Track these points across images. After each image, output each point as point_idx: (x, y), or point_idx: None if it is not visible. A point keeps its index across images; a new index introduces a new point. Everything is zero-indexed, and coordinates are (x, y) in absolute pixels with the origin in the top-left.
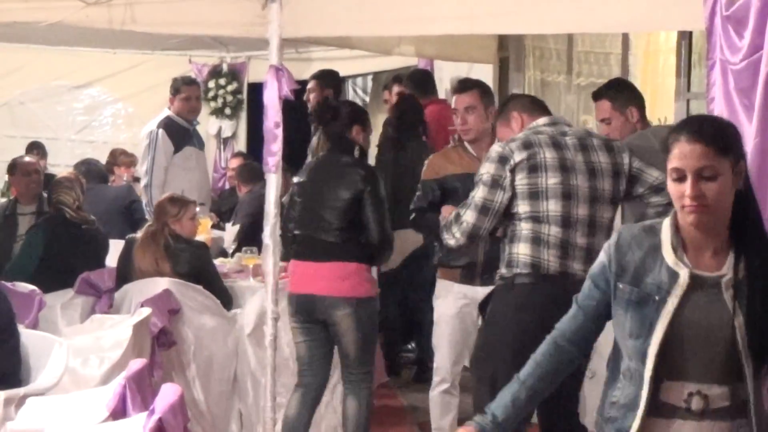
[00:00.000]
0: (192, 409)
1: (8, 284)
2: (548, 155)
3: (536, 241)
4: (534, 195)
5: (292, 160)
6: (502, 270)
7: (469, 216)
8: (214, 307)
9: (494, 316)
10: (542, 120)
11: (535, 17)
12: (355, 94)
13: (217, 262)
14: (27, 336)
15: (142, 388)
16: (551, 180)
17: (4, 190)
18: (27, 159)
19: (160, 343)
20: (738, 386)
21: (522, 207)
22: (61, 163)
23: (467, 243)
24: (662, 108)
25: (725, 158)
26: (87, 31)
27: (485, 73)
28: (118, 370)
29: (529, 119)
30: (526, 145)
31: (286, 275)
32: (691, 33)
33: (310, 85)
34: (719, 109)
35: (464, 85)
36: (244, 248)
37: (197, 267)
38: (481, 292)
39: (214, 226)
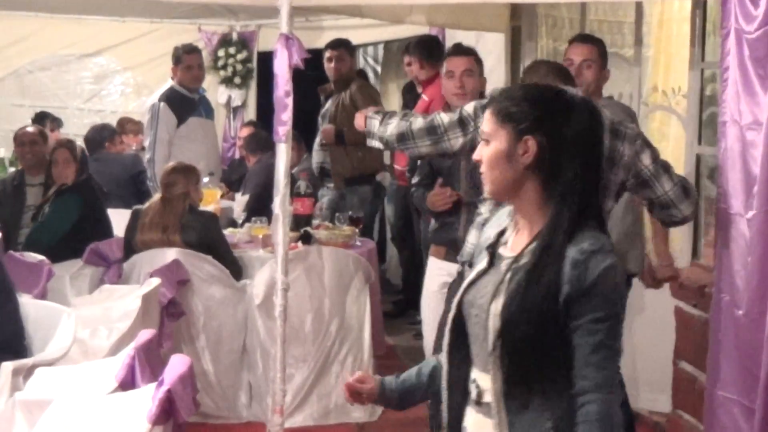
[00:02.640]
0: (201, 380)
1: (17, 254)
2: None
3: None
4: None
5: (302, 129)
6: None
7: (416, 123)
8: (224, 277)
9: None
10: None
11: None
12: (366, 63)
13: (227, 232)
14: (35, 306)
15: (151, 359)
16: None
17: (12, 160)
18: (28, 129)
19: (169, 314)
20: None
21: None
22: (70, 133)
23: (393, 142)
24: (676, 77)
25: (503, 128)
26: None
27: (497, 42)
28: (127, 341)
29: None
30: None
31: (295, 245)
32: (705, 1)
33: (330, 54)
34: (733, 79)
35: (463, 49)
36: (253, 218)
37: (206, 237)
38: None
39: (223, 196)
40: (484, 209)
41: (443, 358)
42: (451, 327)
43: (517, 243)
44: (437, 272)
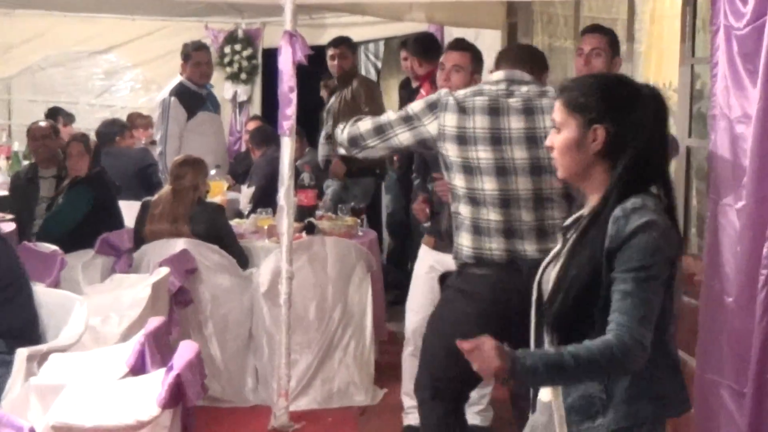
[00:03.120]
0: (209, 366)
1: (30, 244)
2: (479, 125)
3: (477, 230)
4: (468, 170)
5: (304, 123)
6: (453, 257)
7: (365, 124)
8: (230, 266)
9: (443, 295)
10: (495, 75)
11: None
12: (368, 59)
13: (233, 223)
14: (49, 294)
15: (160, 346)
16: (482, 154)
17: (26, 154)
18: (41, 124)
19: (178, 302)
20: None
21: (458, 181)
22: (81, 127)
23: (347, 145)
24: (667, 72)
25: (573, 117)
26: None
27: (494, 39)
28: (137, 328)
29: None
30: (461, 108)
31: (299, 236)
32: None
33: (333, 51)
34: (723, 74)
35: (459, 45)
36: (259, 209)
37: (214, 228)
38: (450, 260)
39: (229, 188)
40: None
41: (531, 332)
42: (535, 306)
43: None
44: (427, 259)
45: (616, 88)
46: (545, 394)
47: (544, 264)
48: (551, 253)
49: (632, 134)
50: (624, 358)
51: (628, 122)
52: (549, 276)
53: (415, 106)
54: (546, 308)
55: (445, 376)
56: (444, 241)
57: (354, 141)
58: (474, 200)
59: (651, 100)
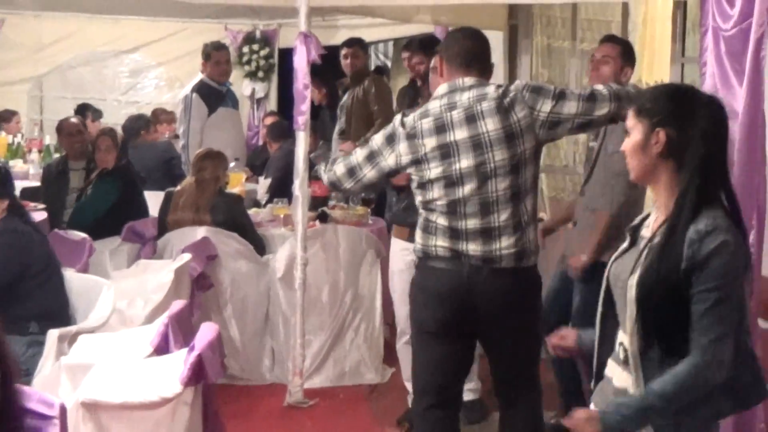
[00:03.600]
0: (228, 346)
1: (61, 232)
2: (428, 147)
3: (427, 229)
4: (422, 185)
5: (319, 118)
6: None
7: (359, 153)
8: (248, 253)
9: (410, 295)
10: (441, 89)
11: None
12: (377, 58)
13: (251, 212)
14: (78, 279)
15: (182, 327)
16: (434, 171)
17: (57, 147)
18: (72, 120)
19: (199, 286)
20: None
21: (418, 196)
22: (108, 122)
23: (343, 178)
24: (659, 71)
25: (640, 121)
26: (132, 1)
27: (496, 40)
28: (161, 311)
29: (448, 73)
30: (410, 135)
31: (313, 224)
32: (685, 2)
33: (346, 51)
34: (711, 72)
35: (611, 38)
36: (275, 199)
37: (233, 217)
38: None
39: (248, 180)
40: None
41: (597, 321)
42: (603, 297)
43: (654, 224)
44: (402, 253)
45: (679, 95)
46: (620, 380)
47: (613, 259)
48: (619, 250)
49: (693, 140)
50: (708, 378)
51: (688, 128)
52: (618, 272)
53: (377, 140)
54: (635, 309)
55: (434, 387)
56: None
57: (334, 185)
58: (428, 208)
59: (712, 110)
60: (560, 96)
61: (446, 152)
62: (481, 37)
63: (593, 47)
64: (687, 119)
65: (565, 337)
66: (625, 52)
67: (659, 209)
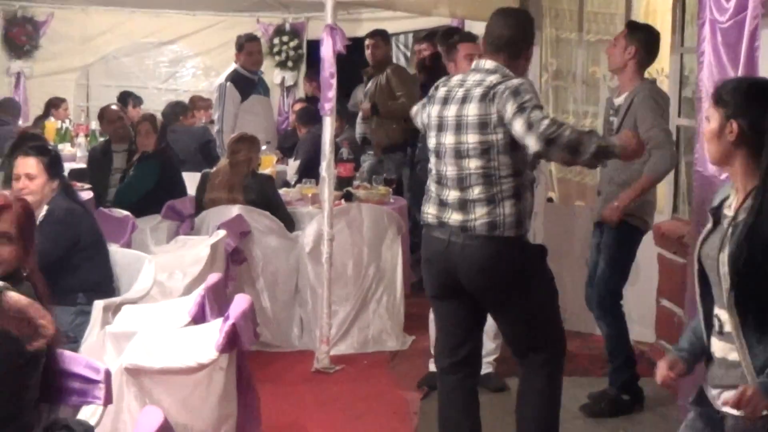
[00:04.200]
0: (260, 316)
1: (106, 210)
2: (433, 114)
3: (426, 197)
4: (429, 150)
5: (344, 105)
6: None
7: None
8: (279, 229)
9: None
10: (473, 64)
11: None
12: (398, 49)
13: (281, 191)
14: (122, 254)
15: (218, 298)
16: (431, 140)
17: (102, 131)
18: (113, 107)
19: (233, 260)
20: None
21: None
22: (149, 109)
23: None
24: (659, 60)
25: (717, 111)
26: None
27: None
28: (198, 283)
29: (484, 54)
30: (429, 98)
31: (339, 203)
32: None
33: (369, 42)
34: (708, 62)
35: (630, 24)
36: (304, 180)
37: (264, 196)
38: None
39: (278, 161)
40: None
41: (697, 301)
42: (698, 276)
43: (735, 204)
44: None
45: (754, 89)
46: (718, 350)
47: (700, 240)
48: (705, 230)
49: (763, 130)
50: None
51: (759, 120)
52: (707, 251)
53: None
54: (729, 285)
55: (447, 348)
56: None
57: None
58: (431, 174)
59: None
60: (520, 110)
61: (440, 124)
62: (513, 22)
63: (599, 38)
64: (758, 112)
65: (673, 366)
66: (629, 33)
67: (737, 191)
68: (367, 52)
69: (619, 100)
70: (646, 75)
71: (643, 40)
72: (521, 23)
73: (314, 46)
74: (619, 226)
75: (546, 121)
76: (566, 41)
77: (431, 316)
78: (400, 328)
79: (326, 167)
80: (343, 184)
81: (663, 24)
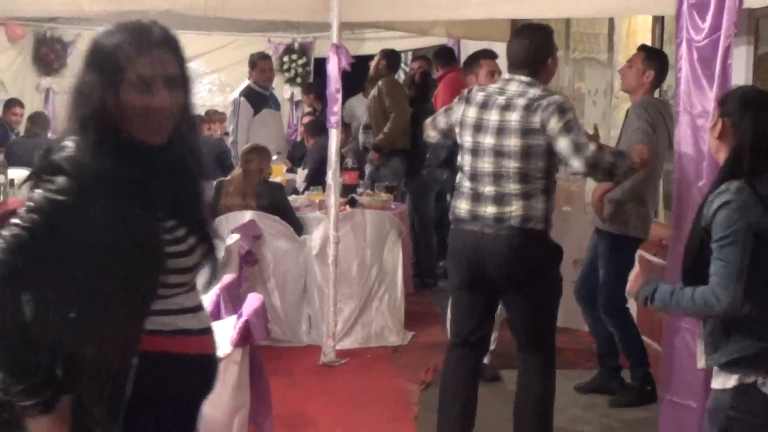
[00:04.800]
0: (271, 313)
1: None
2: (470, 115)
3: (458, 194)
4: (461, 149)
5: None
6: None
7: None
8: (289, 233)
9: None
10: (505, 77)
11: (541, 4)
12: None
13: (291, 198)
14: None
15: (232, 297)
16: (466, 138)
17: None
18: None
19: (246, 262)
20: None
21: (459, 158)
22: None
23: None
24: None
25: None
26: (188, 17)
27: (500, 50)
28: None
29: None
30: (466, 100)
31: (344, 208)
32: (663, 17)
33: (378, 58)
34: (685, 78)
35: (643, 46)
36: (311, 187)
37: (275, 202)
38: None
39: (288, 170)
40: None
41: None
42: None
43: None
44: None
45: (745, 94)
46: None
47: None
48: None
49: (742, 130)
50: (710, 308)
51: (739, 121)
52: None
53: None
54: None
55: (464, 332)
56: None
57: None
58: (462, 171)
59: (761, 110)
60: (566, 129)
61: (479, 126)
62: (527, 42)
63: (584, 56)
64: (739, 114)
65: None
66: (648, 58)
67: None
68: (371, 65)
69: None
70: None
71: (659, 65)
72: (534, 42)
73: (321, 63)
74: (615, 237)
75: (592, 147)
76: None
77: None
78: (401, 325)
79: (332, 175)
80: (347, 191)
81: (643, 42)
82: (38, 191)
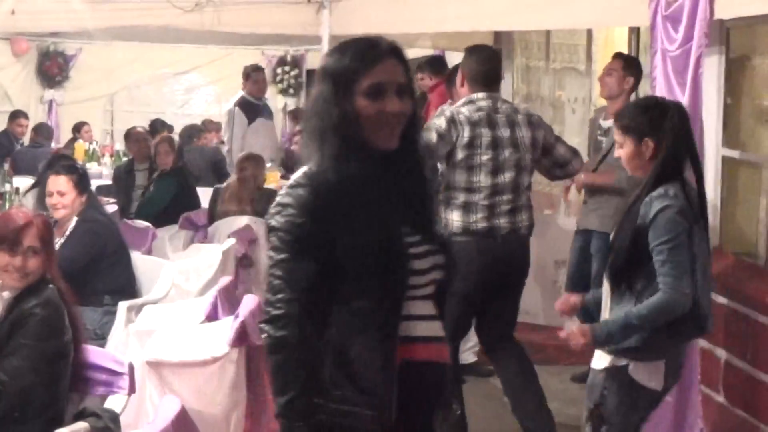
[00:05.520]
0: None
1: (129, 221)
2: (485, 134)
3: (467, 208)
4: (470, 168)
5: None
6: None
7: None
8: None
9: None
10: (480, 95)
11: (523, 17)
12: None
13: None
14: (143, 260)
15: (229, 299)
16: (483, 156)
17: (125, 152)
18: (138, 129)
19: (243, 265)
20: None
21: (459, 177)
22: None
23: None
24: None
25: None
26: (185, 31)
27: None
28: (211, 285)
29: (471, 87)
30: (472, 122)
31: None
32: (639, 28)
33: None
34: (660, 86)
35: (618, 54)
36: None
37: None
38: None
39: (282, 177)
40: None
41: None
42: None
43: None
44: None
45: (652, 108)
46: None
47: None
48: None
49: (667, 140)
50: (675, 307)
51: (663, 131)
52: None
53: (442, 124)
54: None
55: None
56: None
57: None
58: (470, 189)
59: (677, 113)
60: (558, 138)
61: (496, 144)
62: (498, 63)
63: (563, 66)
64: (661, 125)
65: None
66: (627, 65)
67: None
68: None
69: (607, 123)
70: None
71: (636, 71)
72: (499, 62)
73: (313, 74)
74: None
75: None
76: (535, 69)
77: None
78: None
79: None
80: None
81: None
82: (275, 222)
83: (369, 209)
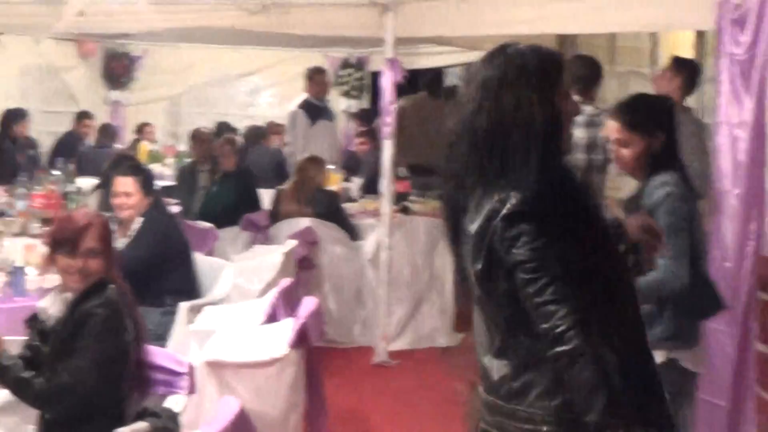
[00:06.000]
0: (326, 316)
1: (192, 222)
2: (578, 135)
3: None
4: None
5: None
6: None
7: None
8: (344, 239)
9: None
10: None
11: (587, 20)
12: (452, 80)
13: (346, 205)
14: (204, 261)
15: (289, 300)
16: (578, 156)
17: (188, 153)
18: (203, 129)
19: (303, 267)
20: None
21: None
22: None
23: None
24: None
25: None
26: (250, 33)
27: None
28: (271, 287)
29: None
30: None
31: (397, 215)
32: (705, 32)
33: None
34: (725, 90)
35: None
36: (366, 195)
37: (331, 209)
38: None
39: (344, 179)
40: None
41: None
42: None
43: None
44: None
45: (653, 106)
46: None
47: None
48: None
49: (660, 133)
50: (664, 287)
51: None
52: None
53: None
54: None
55: None
56: None
57: None
58: None
59: (670, 111)
60: None
61: (592, 146)
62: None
63: (628, 69)
64: (663, 122)
65: None
66: (676, 65)
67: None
68: None
69: None
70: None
71: (687, 72)
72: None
73: (376, 76)
74: None
75: None
76: None
77: None
78: (451, 327)
79: (385, 184)
80: (400, 198)
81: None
82: (521, 252)
83: (588, 214)
